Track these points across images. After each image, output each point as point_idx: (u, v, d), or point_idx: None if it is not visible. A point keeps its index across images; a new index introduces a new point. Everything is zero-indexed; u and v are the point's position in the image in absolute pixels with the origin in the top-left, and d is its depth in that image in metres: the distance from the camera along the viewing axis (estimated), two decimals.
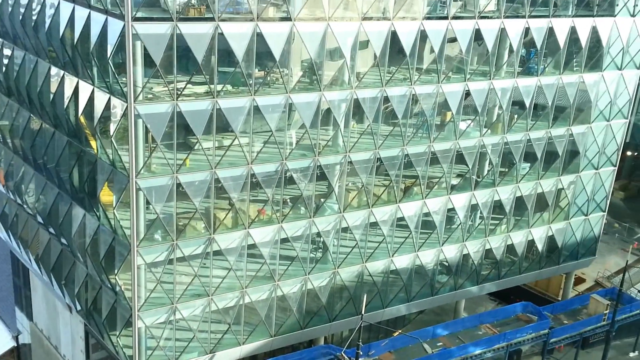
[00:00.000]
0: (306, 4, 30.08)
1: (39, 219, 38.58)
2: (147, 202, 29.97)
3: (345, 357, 35.85)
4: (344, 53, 32.03)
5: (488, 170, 40.16)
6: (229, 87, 30.18)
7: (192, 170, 30.34)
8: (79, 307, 36.40)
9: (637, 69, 42.81)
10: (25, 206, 40.10)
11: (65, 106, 32.65)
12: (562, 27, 38.08)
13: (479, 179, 39.63)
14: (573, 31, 38.57)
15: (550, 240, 44.32)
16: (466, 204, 39.40)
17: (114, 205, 30.55)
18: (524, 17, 36.59)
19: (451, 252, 40.29)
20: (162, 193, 29.69)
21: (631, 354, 44.98)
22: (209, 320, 33.63)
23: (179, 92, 28.50)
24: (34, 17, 33.56)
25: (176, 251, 31.05)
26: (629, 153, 60.40)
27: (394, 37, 32.96)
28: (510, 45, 36.92)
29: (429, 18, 33.74)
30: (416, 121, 36.24)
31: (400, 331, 41.60)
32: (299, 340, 37.94)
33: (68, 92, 32.20)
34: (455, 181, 38.79)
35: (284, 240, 34.12)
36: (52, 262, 37.90)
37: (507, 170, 40.45)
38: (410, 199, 37.28)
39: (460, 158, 37.88)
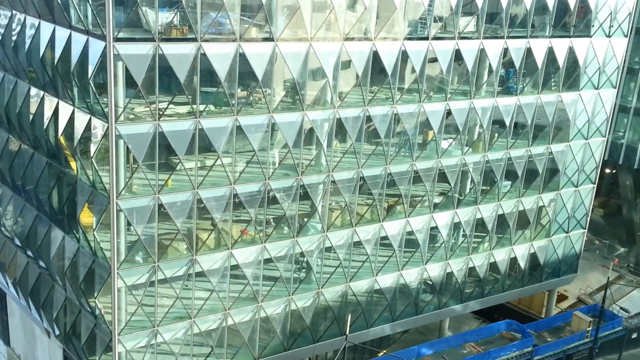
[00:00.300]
0: (288, 24, 30.29)
1: (17, 242, 37.88)
2: (128, 224, 29.58)
3: None
4: (327, 73, 32.23)
5: (470, 189, 40.45)
6: (211, 107, 30.11)
7: (174, 190, 30.09)
8: (57, 332, 35.63)
9: (613, 89, 43.71)
10: (2, 228, 39.37)
11: (45, 127, 32.30)
12: (539, 47, 38.83)
13: (461, 197, 39.88)
14: (550, 51, 39.34)
15: (533, 257, 44.61)
16: (449, 222, 39.56)
17: (94, 227, 30.15)
18: (502, 37, 37.25)
19: (435, 270, 40.31)
20: (143, 214, 29.36)
21: None
22: (191, 344, 33.09)
23: (161, 113, 28.36)
24: (14, 38, 33.32)
25: (158, 273, 30.61)
26: (607, 171, 61.33)
27: (375, 57, 33.28)
28: (490, 65, 37.50)
29: (409, 39, 34.18)
30: (398, 140, 36.48)
31: (385, 351, 41.36)
32: None
33: (48, 112, 31.88)
34: (437, 199, 38.98)
35: (267, 261, 33.87)
36: (30, 285, 37.16)
37: (488, 188, 40.79)
38: (393, 218, 37.33)
39: (442, 176, 38.12)
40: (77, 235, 31.63)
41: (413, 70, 35.13)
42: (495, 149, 39.83)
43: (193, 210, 30.59)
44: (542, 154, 41.86)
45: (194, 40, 28.19)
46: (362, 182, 35.54)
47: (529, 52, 38.51)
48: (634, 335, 45.98)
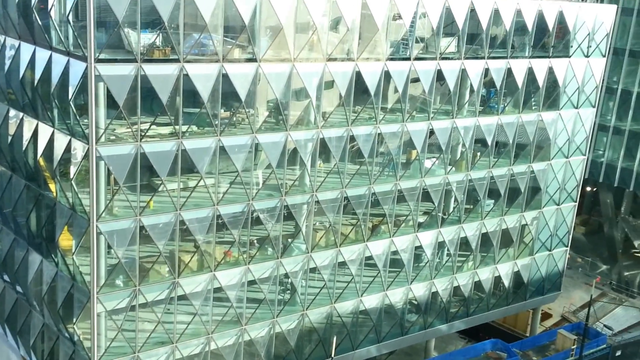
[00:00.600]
0: (271, 45, 30.33)
1: None
2: (109, 246, 29.04)
3: None
4: (310, 93, 32.26)
5: (454, 207, 40.55)
6: (194, 127, 29.89)
7: (156, 212, 29.67)
8: (35, 359, 34.66)
9: (593, 108, 44.42)
10: None
11: (24, 149, 31.78)
12: (520, 67, 39.37)
13: (445, 216, 39.93)
14: (530, 72, 39.91)
15: (516, 276, 44.70)
16: (433, 241, 39.53)
17: (73, 251, 29.52)
18: (483, 58, 37.72)
19: (420, 290, 40.14)
20: (124, 237, 28.85)
21: None
22: None
23: (143, 134, 28.07)
24: None
25: (139, 297, 30.01)
26: (588, 189, 62.05)
27: (358, 77, 33.41)
28: (471, 85, 37.87)
29: (392, 59, 34.41)
30: (382, 160, 36.52)
31: None
32: None
33: (27, 134, 31.41)
34: (422, 219, 38.98)
35: (251, 283, 33.44)
36: (6, 311, 36.27)
37: (472, 207, 40.93)
38: (377, 238, 37.20)
39: (426, 195, 38.18)
40: (56, 259, 30.96)
41: (396, 90, 35.33)
42: (478, 167, 40.08)
43: (175, 232, 30.16)
44: (524, 172, 42.20)
45: (177, 61, 28.06)
46: (346, 202, 35.43)
47: (509, 72, 39.03)
48: (618, 353, 46.08)
